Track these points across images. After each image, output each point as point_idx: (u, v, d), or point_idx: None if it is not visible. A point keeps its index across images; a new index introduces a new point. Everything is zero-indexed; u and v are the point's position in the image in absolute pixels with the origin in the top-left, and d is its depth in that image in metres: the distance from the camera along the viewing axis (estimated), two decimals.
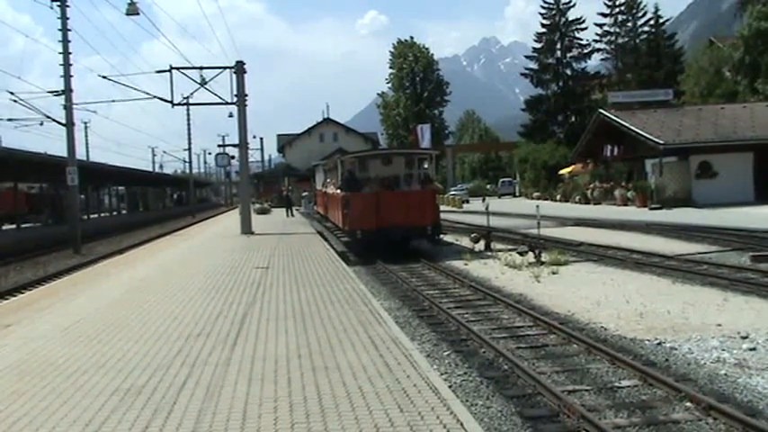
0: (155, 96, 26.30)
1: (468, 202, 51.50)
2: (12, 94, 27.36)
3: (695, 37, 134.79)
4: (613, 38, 59.87)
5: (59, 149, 29.31)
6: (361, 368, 6.09)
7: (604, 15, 59.82)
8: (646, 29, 59.04)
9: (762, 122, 34.15)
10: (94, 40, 31.90)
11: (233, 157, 45.21)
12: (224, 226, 33.07)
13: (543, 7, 61.51)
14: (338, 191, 21.63)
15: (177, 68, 25.53)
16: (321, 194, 32.92)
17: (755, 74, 41.97)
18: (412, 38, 78.86)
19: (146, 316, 9.19)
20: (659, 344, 8.23)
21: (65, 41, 25.55)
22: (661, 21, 59.26)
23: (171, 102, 26.01)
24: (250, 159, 47.39)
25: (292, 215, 38.89)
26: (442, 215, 22.26)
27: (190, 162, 69.04)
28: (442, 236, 20.31)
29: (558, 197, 46.50)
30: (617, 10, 59.40)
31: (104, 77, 25.75)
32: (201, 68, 25.74)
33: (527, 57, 64.70)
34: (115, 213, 54.07)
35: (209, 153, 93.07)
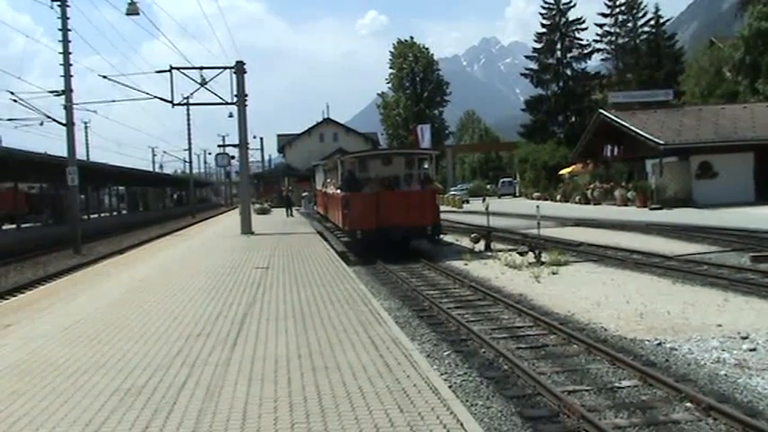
0: (155, 96, 26.31)
1: (468, 202, 51.50)
2: (12, 94, 27.37)
3: (695, 37, 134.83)
4: (614, 38, 59.87)
5: (59, 149, 29.36)
6: (362, 368, 6.09)
7: (605, 15, 59.85)
8: (646, 29, 59.07)
9: (762, 123, 34.13)
10: (94, 40, 31.95)
11: (233, 157, 45.26)
12: (224, 226, 33.08)
13: (543, 7, 61.55)
14: (338, 191, 21.63)
15: (177, 68, 25.53)
16: (321, 194, 32.91)
17: (756, 74, 41.97)
18: (412, 38, 78.95)
19: (146, 316, 9.19)
20: (659, 344, 8.23)
21: (65, 41, 25.56)
22: (661, 21, 59.30)
23: (171, 102, 26.01)
24: (250, 159, 47.38)
25: (292, 215, 38.92)
26: (442, 215, 22.26)
27: (190, 162, 69.14)
28: (442, 236, 20.30)
29: (558, 197, 46.50)
30: (617, 10, 59.41)
31: (104, 77, 25.78)
32: (201, 68, 25.74)
33: (527, 57, 64.69)
34: (115, 213, 54.09)
35: (210, 153, 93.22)
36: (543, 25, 61.48)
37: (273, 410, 5.04)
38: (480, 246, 19.66)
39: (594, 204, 39.80)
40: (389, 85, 77.86)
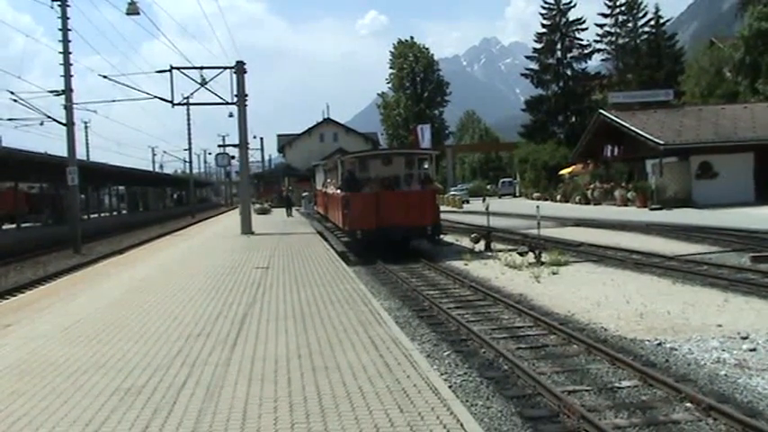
0: (155, 96, 26.31)
1: (468, 202, 51.50)
2: (12, 93, 27.42)
3: (696, 37, 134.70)
4: (614, 38, 59.89)
5: (60, 149, 29.37)
6: (362, 368, 6.09)
7: (605, 16, 59.86)
8: (646, 29, 59.10)
9: (762, 123, 34.14)
10: (95, 39, 31.96)
11: (233, 157, 45.22)
12: (224, 226, 33.08)
13: (544, 8, 61.59)
14: (338, 191, 21.64)
15: (177, 68, 25.53)
16: (321, 194, 32.92)
17: (756, 74, 41.98)
18: (412, 38, 79.02)
19: (146, 316, 9.19)
20: (659, 344, 8.23)
21: (65, 41, 25.57)
22: (661, 21, 59.35)
23: (171, 102, 26.01)
24: (250, 159, 47.37)
25: (291, 215, 38.93)
26: (443, 215, 22.26)
27: (190, 162, 69.17)
28: (442, 236, 20.30)
29: (559, 197, 46.50)
30: (617, 10, 59.42)
31: (105, 77, 25.77)
32: (201, 68, 25.74)
33: (527, 57, 64.70)
34: (115, 213, 54.09)
35: (210, 153, 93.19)
36: (543, 25, 61.53)
37: (273, 410, 5.04)
38: (480, 246, 19.66)
39: (594, 204, 39.81)
40: (390, 85, 77.98)
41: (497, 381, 7.14)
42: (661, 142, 32.54)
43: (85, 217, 38.85)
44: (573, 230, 23.71)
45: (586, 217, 28.71)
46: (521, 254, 16.48)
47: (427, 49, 77.79)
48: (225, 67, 25.77)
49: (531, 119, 61.85)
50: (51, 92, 27.47)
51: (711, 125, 34.77)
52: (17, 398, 5.64)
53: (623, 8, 59.11)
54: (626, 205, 35.81)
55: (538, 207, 20.45)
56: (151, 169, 75.31)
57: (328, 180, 28.39)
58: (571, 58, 61.16)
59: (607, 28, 59.93)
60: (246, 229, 25.42)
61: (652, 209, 32.10)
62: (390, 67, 77.22)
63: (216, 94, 26.55)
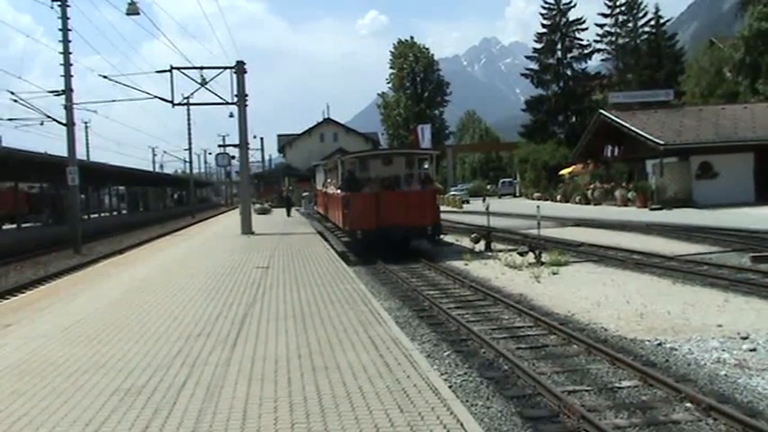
0: (155, 96, 26.30)
1: (468, 202, 51.50)
2: (12, 93, 27.41)
3: (696, 37, 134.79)
4: (614, 38, 59.93)
5: (60, 149, 29.37)
6: (362, 368, 6.09)
7: (605, 16, 59.90)
8: (646, 29, 59.13)
9: (762, 123, 34.14)
10: (95, 39, 31.97)
11: (233, 157, 45.19)
12: (224, 226, 33.08)
13: (544, 8, 61.64)
14: (338, 191, 21.64)
15: (177, 68, 25.53)
16: (321, 194, 32.92)
17: (756, 74, 41.98)
18: (412, 38, 79.03)
19: (146, 316, 9.19)
20: (659, 344, 8.23)
21: (65, 41, 25.57)
22: (662, 21, 59.39)
23: (171, 102, 26.01)
24: (250, 159, 47.34)
25: (291, 215, 38.93)
26: (443, 215, 22.26)
27: (190, 162, 69.16)
28: (442, 236, 20.30)
29: (559, 197, 46.51)
30: (617, 10, 59.46)
31: (105, 77, 25.77)
32: (202, 68, 25.75)
33: (528, 57, 64.74)
34: (115, 213, 54.12)
35: (210, 153, 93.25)
36: (543, 25, 61.57)
37: (273, 410, 5.04)
38: (480, 246, 19.65)
39: (595, 205, 39.81)
40: (390, 85, 77.99)
41: (497, 381, 7.14)
42: (661, 142, 32.54)
43: (86, 217, 38.85)
44: (573, 230, 23.71)
45: (586, 217, 28.71)
46: (521, 254, 16.48)
47: (427, 48, 77.88)
48: (225, 67, 25.79)
49: (532, 119, 61.88)
50: (51, 92, 27.48)
51: (711, 125, 34.77)
52: (17, 398, 5.64)
53: (623, 8, 59.16)
54: (626, 205, 35.81)
55: (538, 207, 20.43)
56: (151, 169, 75.33)
57: (328, 180, 28.39)
58: (571, 58, 61.21)
59: (607, 28, 60.05)
60: (246, 229, 25.42)
61: (652, 209, 32.10)
62: (390, 67, 77.30)
63: (216, 94, 26.59)
